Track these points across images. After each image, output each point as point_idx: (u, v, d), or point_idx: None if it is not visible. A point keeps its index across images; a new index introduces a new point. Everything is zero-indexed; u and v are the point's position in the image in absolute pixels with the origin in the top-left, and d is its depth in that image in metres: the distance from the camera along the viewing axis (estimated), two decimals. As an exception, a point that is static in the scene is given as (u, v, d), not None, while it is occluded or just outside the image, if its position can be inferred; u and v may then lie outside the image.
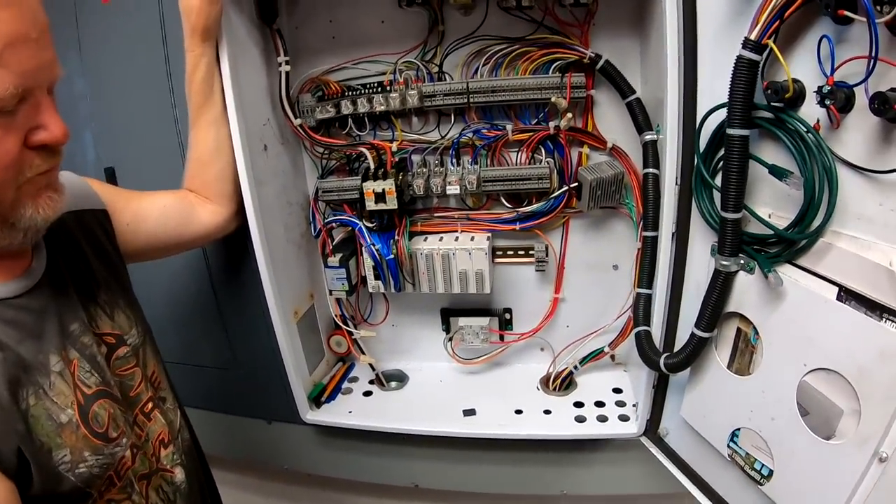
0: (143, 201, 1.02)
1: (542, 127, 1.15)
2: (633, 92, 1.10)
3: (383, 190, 1.15)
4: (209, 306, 1.34)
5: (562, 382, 1.31)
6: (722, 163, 0.86)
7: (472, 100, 1.13)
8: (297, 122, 1.21)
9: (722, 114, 0.86)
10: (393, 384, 1.41)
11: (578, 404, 1.27)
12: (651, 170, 1.06)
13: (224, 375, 1.41)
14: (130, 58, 1.22)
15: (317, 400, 1.33)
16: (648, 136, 1.06)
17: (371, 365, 1.39)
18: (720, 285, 0.91)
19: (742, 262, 0.88)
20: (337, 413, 1.32)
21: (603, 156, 1.18)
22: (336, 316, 1.34)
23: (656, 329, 1.07)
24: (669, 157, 0.96)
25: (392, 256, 1.21)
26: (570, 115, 1.10)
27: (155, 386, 0.93)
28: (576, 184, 1.16)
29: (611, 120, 1.17)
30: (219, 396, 1.45)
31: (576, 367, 1.30)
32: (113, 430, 0.77)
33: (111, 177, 1.30)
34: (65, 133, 0.68)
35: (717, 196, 0.92)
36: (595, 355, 1.29)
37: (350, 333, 1.36)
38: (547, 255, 1.24)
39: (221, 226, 1.11)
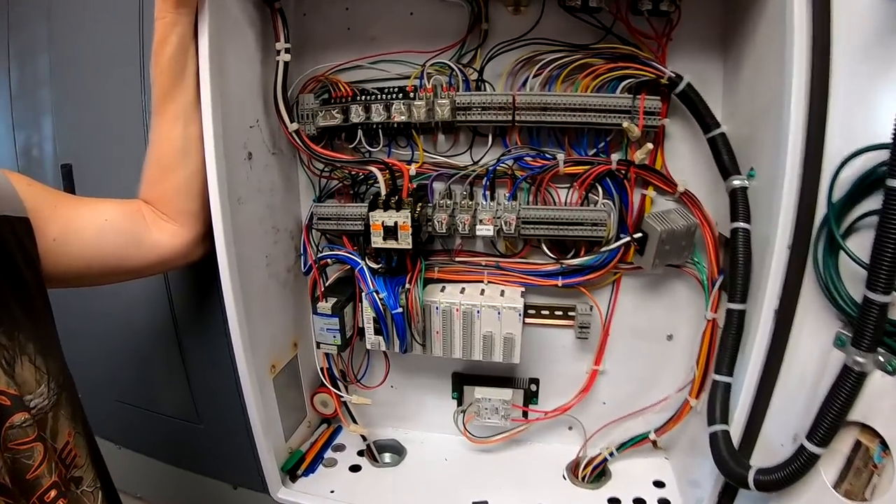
0: (79, 211, 0.80)
1: (601, 160, 0.95)
2: (719, 125, 0.90)
3: (395, 223, 0.93)
4: (170, 347, 1.14)
5: (593, 471, 1.09)
6: (868, 223, 0.67)
7: (517, 118, 0.93)
8: (293, 127, 1.00)
9: (866, 160, 0.68)
10: (387, 457, 1.19)
11: (614, 501, 1.05)
12: (741, 224, 0.85)
13: (185, 428, 1.20)
14: (102, 35, 1.05)
15: (293, 472, 1.11)
16: (737, 182, 0.86)
17: (363, 436, 1.17)
18: (849, 387, 0.68)
19: (882, 359, 0.66)
20: (315, 492, 1.09)
21: (670, 202, 0.98)
22: (323, 371, 1.11)
23: (735, 427, 0.84)
24: (785, 210, 0.74)
25: (400, 310, 0.99)
26: (649, 145, 0.89)
27: (67, 463, 0.70)
28: (640, 234, 0.94)
29: (682, 158, 0.97)
30: (179, 450, 1.26)
31: (612, 454, 1.08)
32: None
33: (67, 176, 1.13)
34: None
35: (843, 265, 0.71)
36: (637, 441, 1.08)
37: (338, 395, 1.13)
38: (591, 319, 1.02)
39: (181, 252, 0.90)
